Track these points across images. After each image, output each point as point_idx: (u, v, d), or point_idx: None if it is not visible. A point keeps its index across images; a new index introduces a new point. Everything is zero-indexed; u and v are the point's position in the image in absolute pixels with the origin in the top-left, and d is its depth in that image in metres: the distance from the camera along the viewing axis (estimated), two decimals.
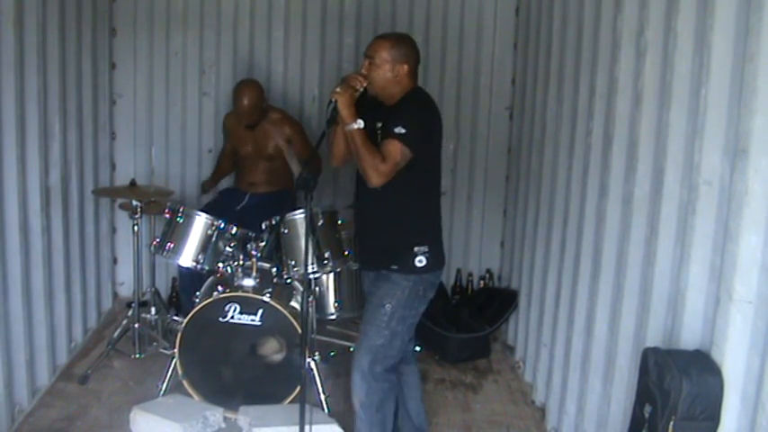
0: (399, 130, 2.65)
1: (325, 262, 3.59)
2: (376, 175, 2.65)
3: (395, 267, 2.78)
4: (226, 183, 4.84)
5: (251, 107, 4.22)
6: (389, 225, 2.82)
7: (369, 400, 2.83)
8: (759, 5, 1.88)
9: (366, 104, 2.76)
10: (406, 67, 2.78)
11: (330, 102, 2.68)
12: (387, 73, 2.75)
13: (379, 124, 2.78)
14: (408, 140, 2.66)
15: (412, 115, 2.73)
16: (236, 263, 3.54)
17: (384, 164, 2.65)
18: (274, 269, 3.62)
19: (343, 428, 3.33)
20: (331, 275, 3.97)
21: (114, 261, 4.86)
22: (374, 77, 2.74)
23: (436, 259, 2.83)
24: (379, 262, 2.84)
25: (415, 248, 2.76)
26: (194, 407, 3.40)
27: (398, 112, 2.73)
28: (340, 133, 2.82)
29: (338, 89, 2.68)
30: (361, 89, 2.72)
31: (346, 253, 3.72)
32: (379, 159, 2.65)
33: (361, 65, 2.82)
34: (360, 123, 2.66)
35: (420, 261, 2.76)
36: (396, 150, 2.66)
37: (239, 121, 4.35)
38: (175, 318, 4.19)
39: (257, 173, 4.45)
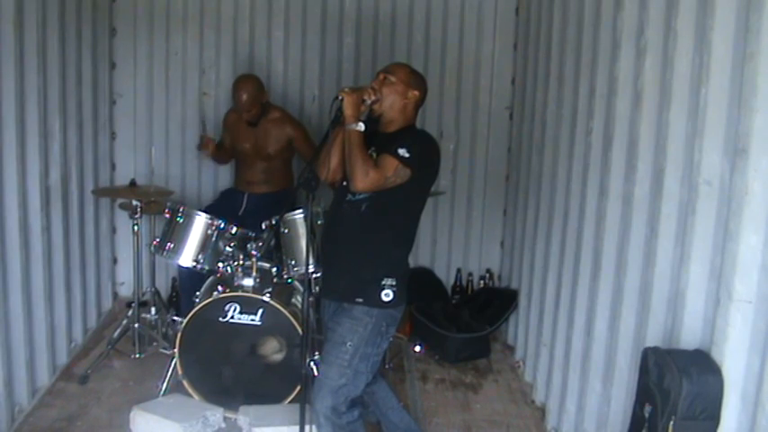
0: (403, 152, 2.59)
1: None
2: (363, 179, 2.56)
3: (359, 300, 2.65)
4: (224, 183, 4.84)
5: (250, 101, 4.19)
6: (363, 253, 2.70)
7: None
8: (759, 5, 1.88)
9: (373, 130, 2.72)
10: (417, 93, 2.76)
11: (336, 98, 2.63)
12: (399, 94, 2.72)
13: (372, 149, 2.68)
14: (408, 162, 2.59)
15: (416, 143, 2.67)
16: (236, 263, 3.54)
17: (375, 171, 2.57)
18: (274, 269, 3.62)
19: None
20: None
21: (114, 261, 4.86)
22: (386, 94, 2.71)
23: (401, 295, 2.70)
24: (344, 293, 2.71)
25: (383, 281, 2.64)
26: (194, 407, 3.40)
27: (402, 138, 2.67)
28: (337, 146, 2.74)
29: (347, 89, 2.65)
30: (369, 102, 2.67)
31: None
32: (370, 165, 2.58)
33: (374, 79, 2.77)
34: (361, 126, 2.61)
35: (387, 295, 2.64)
36: (391, 165, 2.59)
37: (240, 117, 4.33)
38: (175, 318, 4.19)
39: (256, 172, 4.43)
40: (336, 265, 2.79)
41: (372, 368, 2.71)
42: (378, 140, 2.72)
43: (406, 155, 2.59)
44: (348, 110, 2.62)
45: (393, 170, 2.59)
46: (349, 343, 2.63)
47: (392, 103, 2.72)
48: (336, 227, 2.80)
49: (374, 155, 2.67)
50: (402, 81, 2.74)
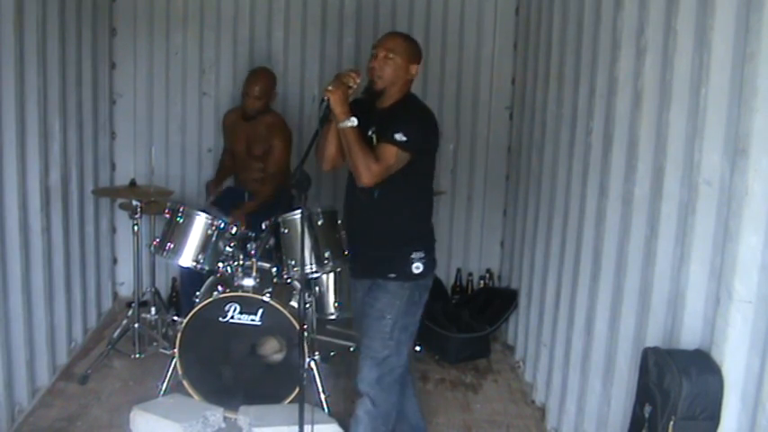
0: (400, 137, 2.60)
1: (325, 262, 3.58)
2: (368, 175, 2.60)
3: (392, 276, 2.73)
4: (227, 182, 4.84)
5: (261, 93, 4.20)
6: (387, 233, 2.76)
7: (377, 411, 2.75)
8: (759, 5, 1.88)
9: (358, 112, 2.69)
10: (418, 67, 2.76)
11: (323, 100, 2.63)
12: (402, 70, 2.70)
13: (372, 130, 2.70)
14: (407, 146, 2.61)
15: (413, 123, 2.67)
16: (236, 263, 3.54)
17: (377, 164, 2.60)
18: (274, 269, 3.62)
19: (343, 428, 3.33)
20: (331, 275, 3.97)
21: (114, 261, 4.86)
22: (387, 71, 2.67)
23: (431, 264, 2.80)
24: (375, 271, 2.77)
25: (412, 255, 2.72)
26: (194, 407, 3.40)
27: (398, 119, 2.67)
28: (331, 136, 2.74)
29: (330, 87, 2.62)
30: (355, 86, 2.67)
31: (346, 253, 3.71)
32: (371, 159, 2.60)
33: (371, 57, 2.72)
34: (353, 121, 2.60)
35: (417, 267, 2.72)
36: (391, 154, 2.61)
37: (238, 118, 4.33)
38: (175, 318, 4.19)
39: (253, 171, 4.44)
40: (363, 249, 2.85)
41: (411, 337, 2.83)
42: (376, 117, 2.71)
43: (404, 139, 2.60)
44: (337, 108, 2.60)
45: (394, 158, 2.61)
46: (388, 316, 2.71)
47: (395, 79, 2.70)
48: (355, 215, 2.86)
49: (374, 137, 2.68)
50: (403, 56, 2.70)
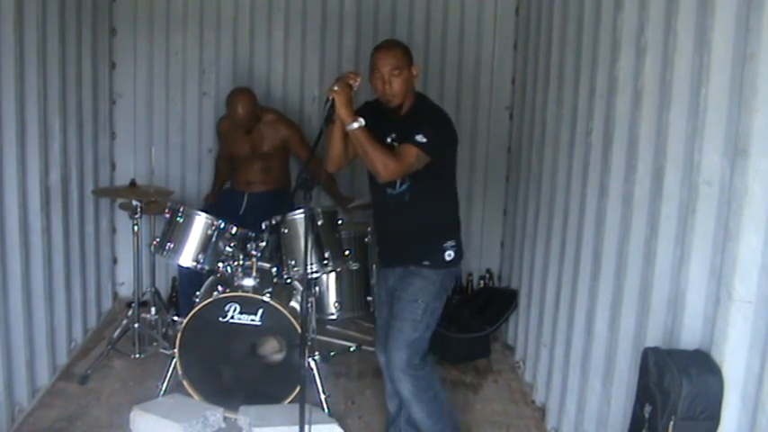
0: (420, 138, 2.67)
1: (326, 262, 3.59)
2: (385, 172, 2.66)
3: (426, 263, 2.85)
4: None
5: (246, 115, 4.24)
6: (421, 224, 2.86)
7: (416, 389, 2.88)
8: (759, 5, 1.88)
9: (371, 117, 2.74)
10: (416, 67, 2.82)
11: (327, 99, 2.66)
12: (407, 77, 2.75)
13: (391, 137, 2.78)
14: (428, 148, 2.68)
15: (433, 127, 2.74)
16: (236, 263, 3.54)
17: (395, 162, 2.66)
18: (274, 269, 3.62)
19: (343, 428, 3.33)
20: (331, 275, 3.97)
21: (114, 261, 4.86)
22: (397, 87, 2.72)
23: (460, 252, 2.94)
24: (409, 259, 2.88)
25: (445, 244, 2.86)
26: (194, 407, 3.40)
27: (418, 123, 2.73)
28: (336, 136, 2.79)
29: (336, 87, 2.66)
30: (356, 87, 2.70)
31: (346, 253, 3.72)
32: (388, 156, 2.67)
33: (375, 77, 2.74)
34: (361, 122, 2.64)
35: (449, 255, 2.86)
36: (411, 153, 2.67)
37: (234, 126, 4.35)
38: (175, 318, 4.19)
39: (254, 172, 4.45)
40: (397, 239, 2.94)
41: (436, 321, 2.93)
42: (393, 125, 2.79)
43: (424, 140, 2.67)
44: (342, 110, 2.64)
45: (414, 157, 2.68)
46: (420, 300, 2.83)
47: (406, 90, 2.78)
48: (387, 218, 2.96)
49: (395, 144, 2.75)
50: (405, 65, 2.76)
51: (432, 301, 2.86)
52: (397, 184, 2.80)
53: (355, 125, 2.64)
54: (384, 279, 3.03)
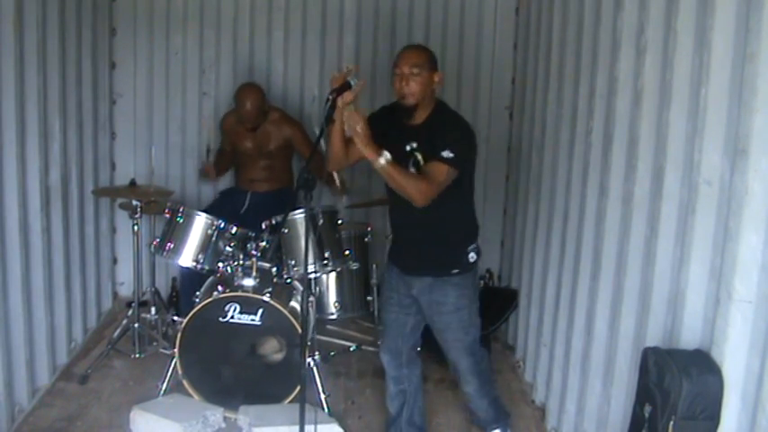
0: (447, 154, 2.68)
1: (326, 262, 3.59)
2: (422, 198, 2.67)
3: (456, 271, 2.89)
4: (225, 183, 4.85)
5: (254, 111, 4.25)
6: (447, 233, 2.89)
7: (481, 382, 3.06)
8: (759, 5, 1.88)
9: (388, 123, 2.76)
10: (439, 74, 2.81)
11: (327, 99, 2.66)
12: (428, 81, 2.74)
13: (411, 146, 2.76)
14: (456, 162, 2.70)
15: (457, 138, 2.75)
16: (236, 263, 3.54)
17: (429, 185, 2.67)
18: (274, 269, 3.62)
19: (343, 428, 3.33)
20: (331, 275, 3.97)
21: (114, 261, 4.86)
22: (414, 87, 2.71)
23: (479, 251, 3.01)
24: (438, 269, 2.89)
25: (468, 247, 2.92)
26: (194, 407, 3.40)
27: (441, 134, 2.73)
28: (336, 135, 2.78)
29: (359, 128, 2.59)
30: (359, 88, 2.67)
31: (346, 253, 3.73)
32: (422, 182, 2.67)
33: (395, 77, 2.74)
34: (387, 156, 2.61)
35: (472, 258, 2.92)
36: (442, 172, 2.69)
37: (240, 122, 4.36)
38: (175, 318, 4.19)
39: (257, 170, 4.46)
40: (422, 248, 2.93)
41: (477, 315, 3.06)
42: (415, 133, 2.77)
43: (451, 156, 2.68)
44: (366, 149, 2.59)
45: (445, 175, 2.70)
46: (462, 308, 2.93)
47: (424, 94, 2.76)
48: (412, 228, 2.94)
49: (417, 155, 2.74)
50: (426, 68, 2.74)
51: (470, 303, 2.98)
52: None
53: (382, 161, 2.60)
54: (404, 284, 2.98)
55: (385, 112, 2.90)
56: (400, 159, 2.74)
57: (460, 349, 2.98)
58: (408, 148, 2.77)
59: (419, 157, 2.75)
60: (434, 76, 2.78)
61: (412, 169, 2.76)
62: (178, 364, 3.46)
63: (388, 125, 2.78)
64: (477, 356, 3.02)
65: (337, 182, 4.38)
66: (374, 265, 4.13)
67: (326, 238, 3.62)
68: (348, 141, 2.77)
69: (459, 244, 2.91)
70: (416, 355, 3.15)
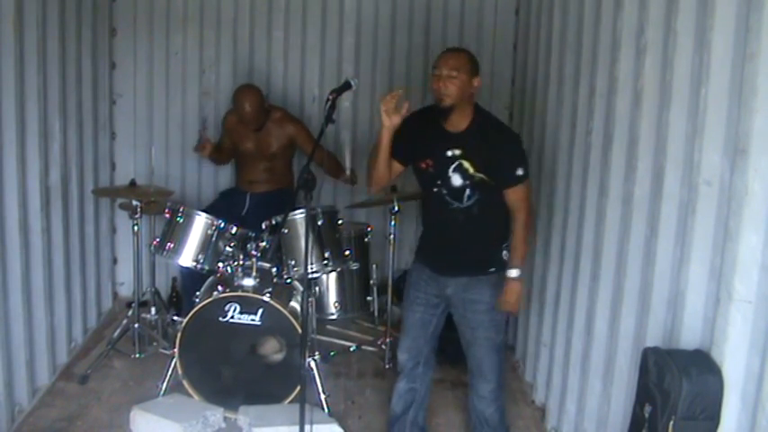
0: (521, 172, 2.77)
1: (326, 262, 3.59)
2: (533, 225, 2.89)
3: (492, 270, 2.89)
4: (225, 183, 4.84)
5: (254, 112, 4.24)
6: (487, 233, 2.89)
7: (499, 385, 3.02)
8: (759, 4, 1.88)
9: (426, 126, 2.77)
10: (478, 80, 2.80)
11: (328, 99, 2.68)
12: (465, 84, 2.72)
13: (453, 153, 2.75)
14: (528, 174, 2.82)
15: (517, 150, 2.83)
16: (236, 263, 3.54)
17: (527, 214, 2.82)
18: (274, 269, 3.62)
19: (343, 428, 3.33)
20: (331, 275, 3.97)
21: (114, 261, 4.86)
22: (452, 89, 2.69)
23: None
24: (476, 269, 2.90)
25: (503, 245, 2.91)
26: (194, 407, 3.40)
27: (500, 151, 2.76)
28: (382, 160, 2.82)
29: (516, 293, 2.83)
30: (404, 108, 2.71)
31: (346, 253, 3.73)
32: (527, 222, 2.82)
33: (434, 78, 2.72)
34: (517, 272, 2.80)
35: (506, 255, 2.90)
36: (526, 191, 2.82)
37: (242, 123, 4.35)
38: (175, 318, 4.19)
39: (257, 171, 4.45)
40: (460, 251, 2.92)
41: None
42: (458, 140, 2.76)
43: (522, 171, 2.79)
44: (520, 262, 2.82)
45: (528, 192, 2.85)
46: (497, 307, 2.90)
47: (463, 97, 2.74)
48: (452, 230, 2.90)
49: (464, 163, 2.75)
50: (465, 72, 2.73)
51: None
52: (465, 198, 2.80)
53: (517, 275, 2.81)
54: (435, 284, 2.95)
55: (423, 115, 2.87)
56: (439, 164, 2.78)
57: (490, 348, 2.95)
58: (450, 154, 2.76)
59: (466, 164, 2.75)
60: (474, 80, 2.76)
61: (456, 175, 2.76)
62: (178, 364, 3.46)
63: (423, 128, 2.79)
64: (502, 355, 3.01)
65: (347, 172, 4.42)
66: (374, 265, 4.13)
67: (326, 238, 3.62)
68: (390, 160, 2.84)
69: (496, 242, 2.91)
70: (433, 357, 3.14)
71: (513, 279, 2.81)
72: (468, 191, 2.78)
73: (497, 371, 2.99)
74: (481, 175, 2.76)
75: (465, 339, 3.00)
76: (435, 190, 2.82)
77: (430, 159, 2.81)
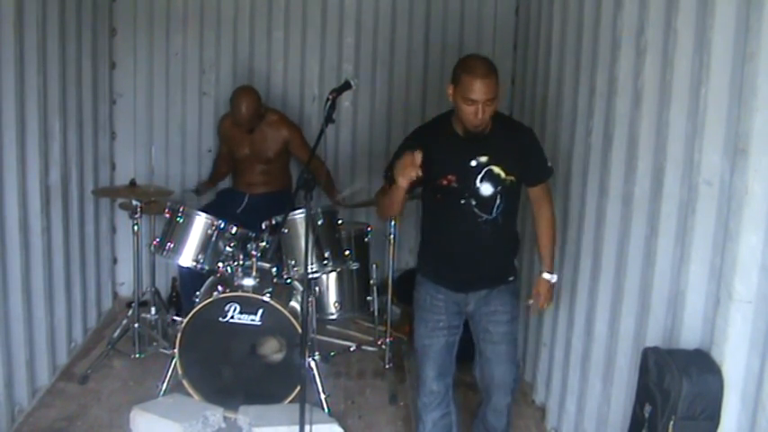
0: (549, 163, 2.81)
1: (326, 262, 3.59)
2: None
3: (511, 278, 2.86)
4: (223, 183, 4.84)
5: (250, 114, 4.23)
6: (508, 241, 2.87)
7: (512, 399, 2.97)
8: (759, 4, 1.88)
9: (437, 141, 2.63)
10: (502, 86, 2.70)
11: (327, 99, 2.66)
12: (496, 102, 2.54)
13: (478, 161, 2.61)
14: (551, 167, 2.84)
15: (539, 145, 2.84)
16: (236, 263, 3.54)
17: (552, 208, 2.86)
18: (274, 269, 3.62)
19: (343, 428, 3.33)
20: (331, 275, 3.97)
21: (114, 261, 4.86)
22: (489, 114, 2.53)
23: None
24: (497, 279, 2.82)
25: (516, 252, 2.95)
26: (194, 407, 3.40)
27: (530, 145, 2.76)
28: (399, 195, 2.60)
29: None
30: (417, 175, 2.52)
31: (346, 253, 3.73)
32: (553, 219, 2.87)
33: (473, 107, 2.48)
34: (551, 273, 2.86)
35: (516, 262, 2.94)
36: (549, 185, 2.84)
37: (236, 125, 4.35)
38: (175, 318, 4.19)
39: (255, 174, 4.46)
40: (482, 263, 2.78)
41: None
42: (481, 146, 2.62)
43: (549, 164, 2.83)
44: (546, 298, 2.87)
45: (549, 184, 2.85)
46: (516, 317, 2.90)
47: (491, 113, 2.57)
48: (476, 243, 2.73)
49: (494, 168, 2.62)
50: (497, 90, 2.53)
51: (519, 313, 2.95)
52: (495, 208, 2.66)
53: (554, 278, 2.88)
54: (454, 303, 2.79)
55: (426, 135, 2.70)
56: (463, 177, 2.61)
57: (511, 362, 2.87)
58: (474, 163, 2.61)
59: (497, 170, 2.62)
60: (500, 94, 2.57)
61: (486, 184, 2.62)
62: (178, 364, 3.46)
63: (436, 145, 2.62)
64: (517, 374, 2.98)
65: (340, 197, 4.42)
66: (374, 265, 4.13)
67: (326, 238, 3.62)
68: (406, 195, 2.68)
69: (514, 251, 2.91)
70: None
71: (546, 279, 2.84)
72: (498, 199, 2.65)
73: (518, 380, 2.98)
74: (512, 178, 2.64)
75: (485, 356, 2.85)
76: (463, 202, 2.64)
77: (452, 175, 2.61)
